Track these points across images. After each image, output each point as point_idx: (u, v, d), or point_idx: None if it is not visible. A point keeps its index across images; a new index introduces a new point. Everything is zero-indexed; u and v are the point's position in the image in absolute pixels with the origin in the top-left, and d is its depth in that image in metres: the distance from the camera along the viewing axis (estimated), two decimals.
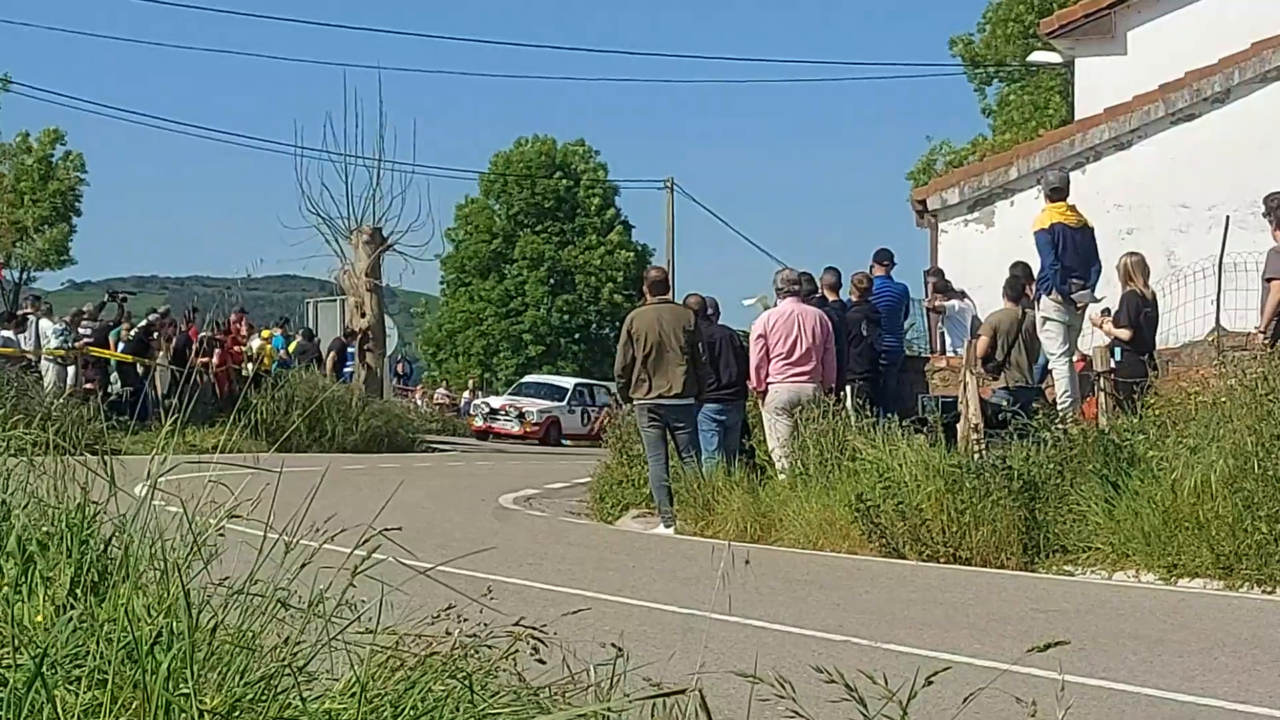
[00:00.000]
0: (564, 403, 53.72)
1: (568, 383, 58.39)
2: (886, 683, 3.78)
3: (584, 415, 53.34)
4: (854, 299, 20.93)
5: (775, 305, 18.47)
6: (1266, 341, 16.40)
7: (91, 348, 32.07)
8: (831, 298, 20.64)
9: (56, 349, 31.41)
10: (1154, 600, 11.76)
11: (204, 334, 32.76)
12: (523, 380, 61.50)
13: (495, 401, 54.92)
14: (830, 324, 18.33)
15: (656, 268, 18.38)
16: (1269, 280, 16.99)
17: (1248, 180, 22.27)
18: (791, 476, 16.81)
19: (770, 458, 17.98)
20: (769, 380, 17.85)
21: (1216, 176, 22.96)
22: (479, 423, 52.82)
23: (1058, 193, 17.75)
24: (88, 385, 30.62)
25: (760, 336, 17.93)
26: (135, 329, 34.00)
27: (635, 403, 18.08)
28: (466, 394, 65.67)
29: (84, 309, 34.47)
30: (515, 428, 51.64)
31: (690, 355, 17.66)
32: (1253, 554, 12.39)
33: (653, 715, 4.19)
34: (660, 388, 17.57)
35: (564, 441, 51.50)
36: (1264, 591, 12.15)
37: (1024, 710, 3.98)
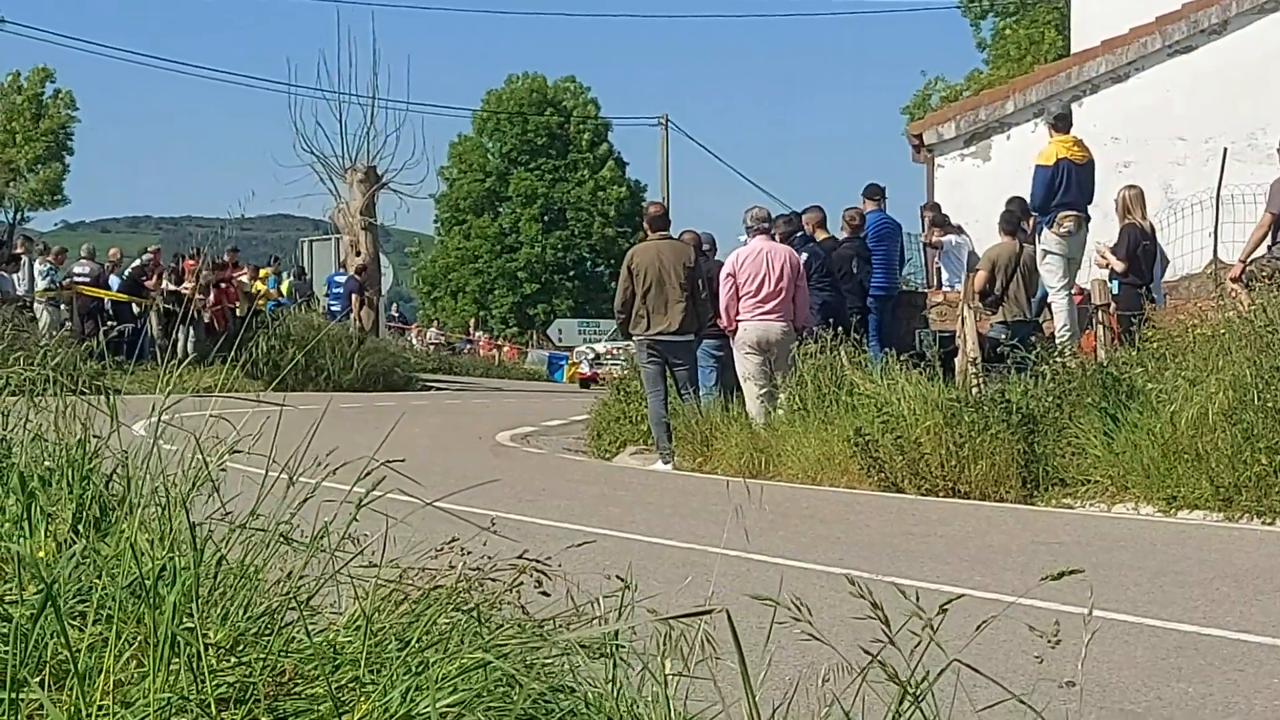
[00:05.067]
0: None
1: None
2: (899, 608, 3.76)
3: None
4: (844, 235, 20.84)
5: (745, 243, 18.33)
6: (1244, 274, 16.30)
7: (85, 287, 32.03)
8: (822, 235, 20.51)
9: (46, 289, 31.37)
10: (1154, 532, 11.76)
11: (202, 273, 32.65)
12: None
13: (600, 347, 51.35)
14: (799, 262, 18.18)
15: (656, 203, 18.29)
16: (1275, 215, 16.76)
17: (1245, 112, 22.25)
18: (789, 411, 16.78)
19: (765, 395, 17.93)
20: (738, 319, 17.72)
21: (1213, 109, 22.91)
22: (585, 369, 49.47)
23: (1062, 121, 17.66)
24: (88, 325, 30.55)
25: (729, 275, 17.76)
26: (129, 269, 33.98)
27: (634, 339, 18.04)
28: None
29: (65, 249, 34.47)
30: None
31: (690, 292, 17.61)
32: (1252, 485, 12.39)
33: (659, 646, 4.18)
34: (659, 324, 17.54)
35: None
36: (1264, 523, 12.16)
37: (1034, 639, 3.97)
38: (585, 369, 49.24)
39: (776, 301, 17.63)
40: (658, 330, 17.57)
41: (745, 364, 17.75)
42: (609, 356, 47.31)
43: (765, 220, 18.37)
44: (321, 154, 41.80)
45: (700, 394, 18.08)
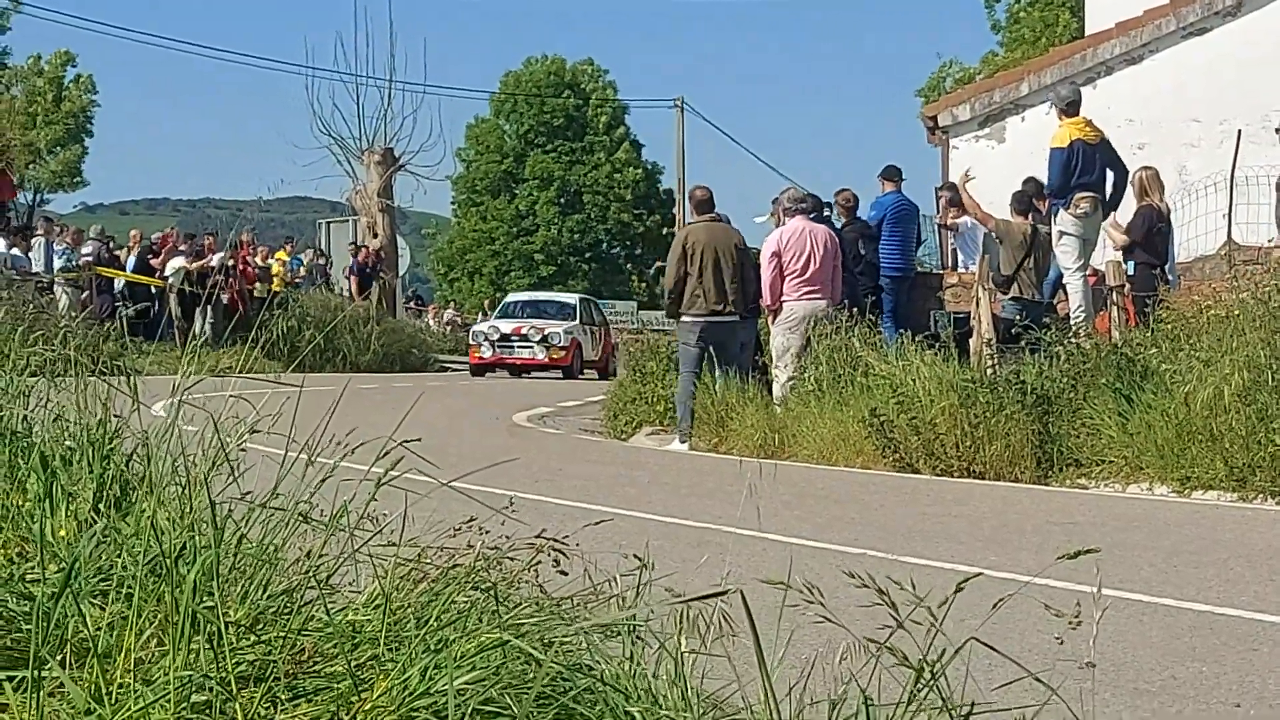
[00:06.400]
0: (577, 323, 41.89)
1: (571, 299, 46.13)
2: (914, 588, 3.79)
3: (594, 338, 42.92)
4: (843, 219, 20.81)
5: (784, 224, 18.37)
6: None
7: (99, 267, 32.06)
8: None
9: (63, 269, 31.40)
10: (1169, 512, 11.77)
11: (221, 256, 32.74)
12: (511, 299, 46.60)
13: (505, 325, 41.03)
14: (837, 241, 18.36)
15: (701, 187, 18.35)
16: None
17: (1259, 94, 22.22)
18: (803, 392, 16.80)
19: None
20: (783, 298, 17.81)
21: (1228, 91, 22.87)
22: (486, 353, 40.42)
23: (1073, 106, 17.64)
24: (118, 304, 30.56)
25: (775, 254, 17.87)
26: (138, 250, 34.01)
27: (684, 319, 17.97)
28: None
29: (80, 230, 34.51)
30: (540, 355, 40.12)
31: (741, 273, 17.72)
32: (1267, 466, 12.39)
33: (675, 625, 4.20)
34: (713, 304, 17.61)
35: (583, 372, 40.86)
36: (1278, 503, 12.16)
37: (1049, 618, 3.99)
38: (486, 353, 40.44)
39: (822, 281, 17.77)
40: (710, 310, 17.62)
41: (785, 342, 17.80)
42: (517, 337, 40.40)
43: (803, 200, 18.53)
44: (339, 136, 42.07)
45: (715, 375, 18.10)
